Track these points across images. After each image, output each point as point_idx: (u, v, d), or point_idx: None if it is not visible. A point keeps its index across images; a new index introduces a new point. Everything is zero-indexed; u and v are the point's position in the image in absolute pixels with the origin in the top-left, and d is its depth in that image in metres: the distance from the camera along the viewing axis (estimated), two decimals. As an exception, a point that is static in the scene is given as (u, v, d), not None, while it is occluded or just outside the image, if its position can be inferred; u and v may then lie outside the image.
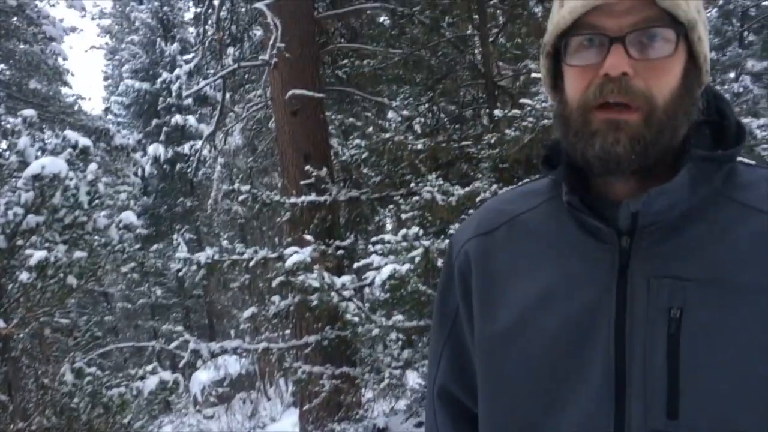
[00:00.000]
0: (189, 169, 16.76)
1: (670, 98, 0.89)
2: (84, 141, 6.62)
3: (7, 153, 6.23)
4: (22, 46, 14.63)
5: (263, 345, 6.37)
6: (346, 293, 5.33)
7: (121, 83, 21.27)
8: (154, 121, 19.76)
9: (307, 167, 7.08)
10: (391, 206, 6.81)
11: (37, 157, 6.04)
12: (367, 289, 6.34)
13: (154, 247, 18.25)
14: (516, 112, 5.62)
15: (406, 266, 4.88)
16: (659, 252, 0.90)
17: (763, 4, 16.02)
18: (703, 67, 0.94)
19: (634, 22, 0.87)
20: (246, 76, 11.81)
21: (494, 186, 5.30)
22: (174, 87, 18.87)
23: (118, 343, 15.06)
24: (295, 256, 5.19)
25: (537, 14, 7.12)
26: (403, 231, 5.23)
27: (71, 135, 6.60)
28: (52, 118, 14.15)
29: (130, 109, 21.52)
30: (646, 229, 0.91)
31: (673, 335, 0.86)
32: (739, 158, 0.96)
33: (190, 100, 18.75)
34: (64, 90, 16.47)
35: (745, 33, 16.44)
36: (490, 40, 7.00)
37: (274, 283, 5.36)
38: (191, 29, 19.84)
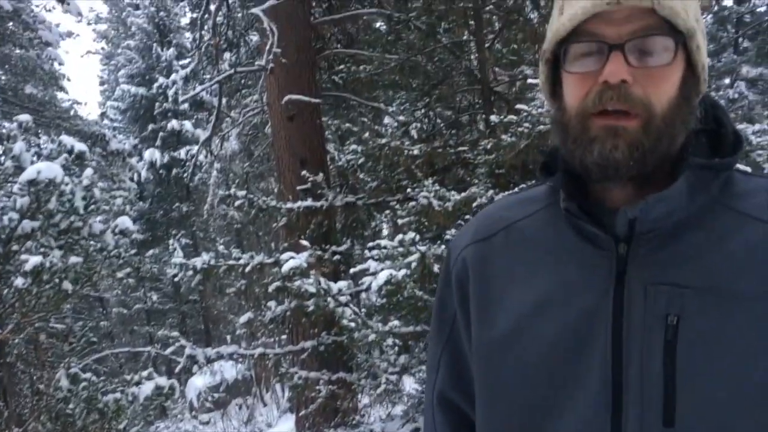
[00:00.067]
0: (185, 174, 16.73)
1: (669, 106, 0.89)
2: (80, 146, 6.61)
3: (3, 158, 6.21)
4: (17, 51, 14.62)
5: (259, 350, 6.35)
6: (343, 299, 5.32)
7: (117, 88, 21.26)
8: (150, 126, 19.76)
9: (304, 172, 7.07)
10: (387, 211, 6.80)
11: (32, 162, 6.03)
12: (363, 295, 6.31)
13: (150, 252, 18.21)
14: (512, 117, 5.63)
15: (403, 272, 4.87)
16: (656, 259, 0.90)
17: (757, 10, 16.10)
18: (701, 75, 0.95)
19: (634, 30, 0.88)
20: (242, 81, 11.81)
21: (490, 191, 5.30)
22: (170, 92, 18.88)
23: (114, 348, 15.02)
24: (292, 261, 5.18)
25: (533, 20, 7.15)
26: (400, 236, 5.22)
27: (67, 140, 6.59)
28: (47, 123, 14.14)
29: (126, 114, 21.54)
30: (643, 236, 0.91)
31: (670, 342, 0.86)
32: (736, 167, 0.96)
33: (186, 105, 18.77)
34: (60, 95, 16.48)
35: (740, 39, 16.51)
36: (486, 45, 7.02)
37: (271, 289, 5.34)
38: (187, 34, 19.87)
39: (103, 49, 27.02)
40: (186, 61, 18.86)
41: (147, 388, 6.49)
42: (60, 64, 15.62)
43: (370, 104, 9.21)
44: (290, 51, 7.38)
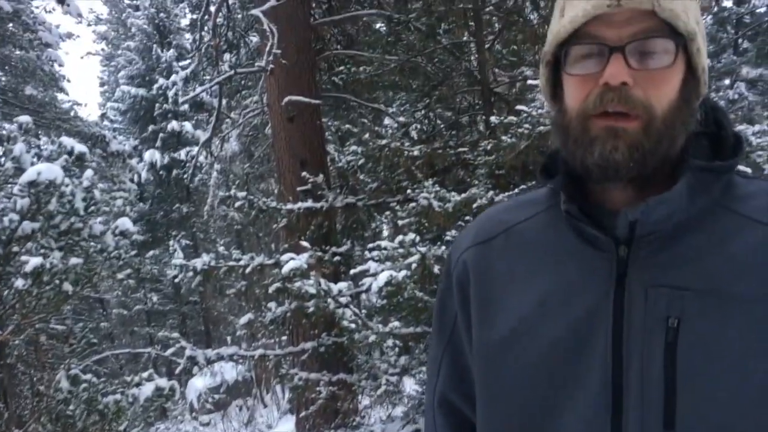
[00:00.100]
0: (185, 175, 16.74)
1: (669, 108, 0.89)
2: (80, 147, 6.61)
3: (3, 159, 6.21)
4: (18, 52, 14.62)
5: (260, 352, 6.34)
6: (343, 300, 5.31)
7: (118, 89, 21.27)
8: (151, 127, 19.77)
9: (304, 173, 7.07)
10: (387, 212, 6.79)
11: (32, 164, 6.03)
12: (363, 296, 6.31)
13: (150, 253, 18.20)
14: (512, 118, 5.62)
15: (403, 273, 4.87)
16: (657, 261, 0.91)
17: (757, 11, 16.10)
18: (701, 78, 0.95)
19: (634, 33, 0.88)
20: (242, 82, 11.82)
21: (490, 192, 5.29)
22: (170, 93, 18.89)
23: (114, 349, 15.03)
24: (292, 262, 5.18)
25: (532, 21, 7.14)
26: (400, 237, 5.22)
27: (67, 141, 6.59)
28: (48, 124, 14.14)
29: (126, 115, 21.55)
30: (644, 239, 0.91)
31: (670, 344, 0.86)
32: (737, 169, 0.96)
33: (186, 107, 18.77)
34: (60, 96, 16.47)
35: (740, 40, 16.52)
36: (486, 46, 7.02)
37: (271, 290, 5.33)
38: (187, 35, 19.89)
39: (103, 50, 27.06)
40: (186, 62, 18.88)
41: (147, 389, 6.49)
42: (60, 65, 15.62)
43: (370, 105, 9.21)
44: (290, 52, 7.38)
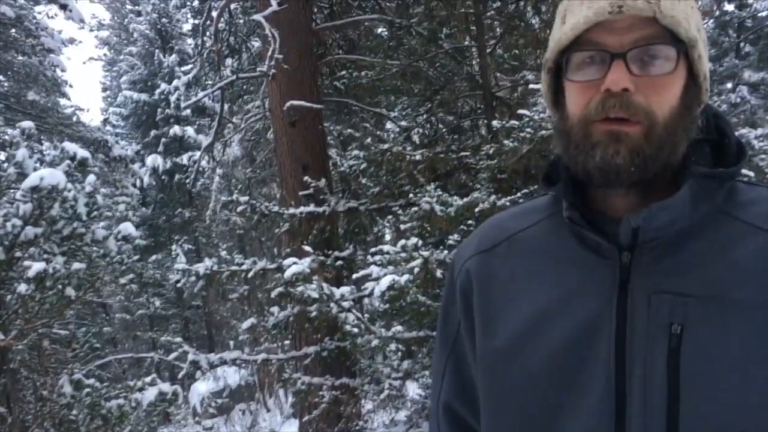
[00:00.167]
0: (187, 180, 16.75)
1: (670, 115, 0.89)
2: (82, 152, 6.61)
3: (6, 164, 6.22)
4: (20, 58, 14.64)
5: (262, 356, 6.35)
6: (346, 304, 5.32)
7: (120, 94, 21.30)
8: (153, 132, 19.78)
9: (306, 178, 7.08)
10: (389, 217, 6.81)
11: (35, 169, 6.03)
12: (366, 300, 6.31)
13: (153, 258, 18.23)
14: (514, 122, 5.63)
15: (405, 277, 4.88)
16: (660, 268, 0.91)
17: (759, 15, 16.11)
18: (702, 85, 0.95)
19: (636, 39, 0.88)
20: (244, 87, 11.84)
21: (492, 196, 5.30)
22: (172, 98, 18.90)
23: (117, 354, 15.01)
24: (294, 266, 5.18)
25: (534, 26, 7.15)
26: (402, 241, 5.23)
27: (69, 146, 6.59)
28: (50, 129, 14.15)
29: (128, 120, 21.57)
30: (646, 245, 0.91)
31: (673, 350, 0.86)
32: (742, 176, 0.97)
33: (188, 111, 18.80)
34: (62, 101, 16.47)
35: (742, 44, 16.53)
36: (488, 51, 7.03)
37: (273, 294, 5.35)
38: (189, 41, 19.90)
39: (105, 55, 27.07)
40: (188, 67, 18.88)
41: (150, 393, 6.47)
42: (62, 70, 15.64)
43: (372, 110, 9.22)
44: (292, 57, 7.39)
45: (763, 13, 16.15)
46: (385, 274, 5.05)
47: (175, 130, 18.92)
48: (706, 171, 0.92)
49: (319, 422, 6.82)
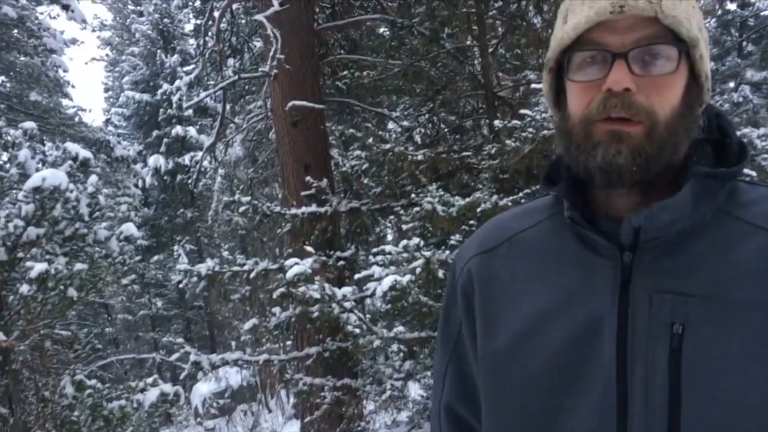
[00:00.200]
0: (189, 180, 16.73)
1: (672, 114, 0.89)
2: (84, 153, 6.61)
3: (8, 165, 6.22)
4: (22, 59, 14.66)
5: (264, 357, 6.35)
6: (347, 304, 5.32)
7: (122, 95, 21.34)
8: (155, 133, 19.80)
9: (308, 178, 7.08)
10: (391, 217, 6.80)
11: (37, 170, 6.04)
12: (368, 300, 6.31)
13: (155, 258, 18.26)
14: (516, 122, 5.63)
15: (407, 277, 4.88)
16: (661, 267, 0.91)
17: (761, 14, 16.11)
18: (704, 85, 0.95)
19: (637, 39, 0.88)
20: (246, 87, 11.84)
21: (495, 196, 5.30)
22: (174, 98, 18.92)
23: (119, 355, 15.04)
24: (296, 267, 5.18)
25: (536, 25, 7.15)
26: (404, 242, 5.22)
27: (72, 147, 6.59)
28: (52, 130, 14.17)
29: (130, 120, 21.60)
30: (648, 245, 0.91)
31: (675, 350, 0.86)
32: (743, 176, 0.96)
33: (190, 112, 18.80)
34: (64, 102, 16.50)
35: (744, 43, 16.52)
36: (490, 50, 7.02)
37: (275, 295, 5.34)
38: (191, 41, 19.91)
39: (107, 55, 27.15)
40: (190, 68, 18.87)
41: (152, 394, 6.48)
42: (64, 71, 15.66)
43: (374, 110, 9.22)
44: (294, 57, 7.39)
45: (766, 12, 16.15)
46: (387, 275, 5.05)
47: (177, 130, 18.93)
48: (708, 171, 0.92)
49: (321, 423, 6.82)
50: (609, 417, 0.89)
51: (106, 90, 27.30)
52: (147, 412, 6.51)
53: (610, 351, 0.90)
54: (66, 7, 13.51)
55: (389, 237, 8.94)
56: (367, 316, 6.02)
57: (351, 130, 8.28)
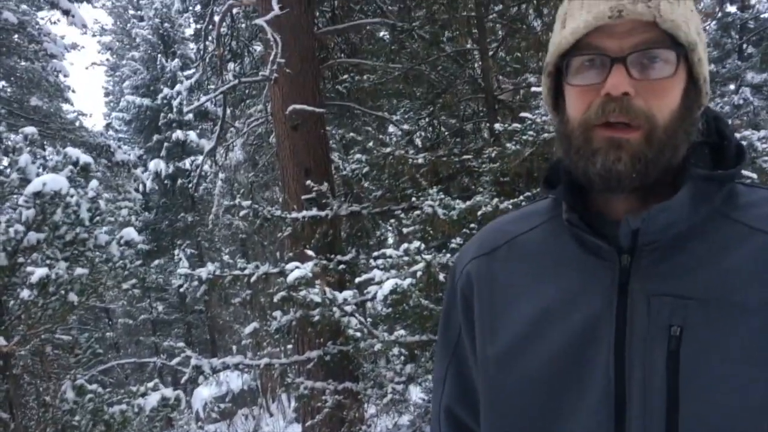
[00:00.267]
0: (190, 185, 16.78)
1: (671, 118, 0.89)
2: (85, 158, 6.62)
3: (8, 170, 6.23)
4: (23, 63, 14.67)
5: (265, 360, 6.34)
6: (348, 308, 5.31)
7: (122, 99, 21.36)
8: (155, 137, 19.82)
9: (308, 182, 7.07)
10: (392, 220, 6.80)
11: (38, 174, 6.05)
12: (369, 304, 6.31)
13: (156, 262, 18.24)
14: (516, 125, 5.63)
15: (408, 280, 4.87)
16: (659, 270, 0.91)
17: (761, 16, 16.11)
18: (702, 88, 0.95)
19: (635, 44, 0.89)
20: (246, 91, 11.83)
21: (495, 200, 5.29)
22: (175, 103, 18.94)
23: (120, 359, 15.02)
24: (297, 271, 5.17)
25: (536, 29, 7.15)
26: (405, 245, 5.22)
27: (72, 152, 6.60)
28: (53, 134, 14.18)
29: (131, 125, 21.63)
30: (646, 247, 0.91)
31: (673, 353, 0.86)
32: (743, 178, 0.96)
33: (190, 116, 18.81)
34: (65, 107, 16.51)
35: (744, 45, 16.52)
36: (490, 54, 7.03)
37: (276, 299, 5.33)
38: (192, 45, 19.97)
39: (107, 60, 27.21)
40: (190, 72, 18.92)
41: (153, 399, 6.48)
42: (65, 75, 15.66)
43: (374, 113, 9.22)
44: (294, 61, 7.39)
45: (766, 15, 16.15)
46: (388, 278, 5.03)
47: (178, 134, 18.96)
48: (705, 173, 0.92)
49: (322, 427, 6.81)
50: (607, 420, 0.89)
51: (107, 94, 27.35)
52: (148, 416, 6.51)
53: (609, 354, 0.90)
54: (66, 12, 13.53)
55: (390, 240, 8.93)
56: (368, 319, 6.02)
57: (351, 134, 8.27)
